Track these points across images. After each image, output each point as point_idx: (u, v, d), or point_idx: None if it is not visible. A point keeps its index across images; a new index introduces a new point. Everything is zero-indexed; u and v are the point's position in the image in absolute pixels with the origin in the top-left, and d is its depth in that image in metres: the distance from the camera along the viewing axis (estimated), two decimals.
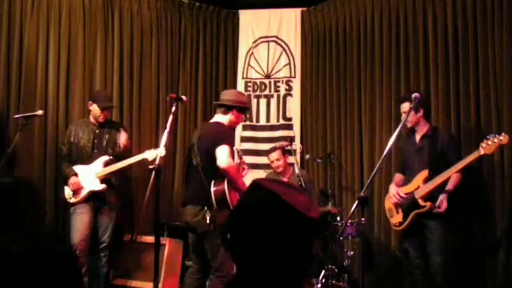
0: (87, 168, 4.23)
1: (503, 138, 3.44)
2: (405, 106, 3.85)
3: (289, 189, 1.27)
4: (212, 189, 3.54)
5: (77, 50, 4.91)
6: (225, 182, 3.53)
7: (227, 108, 3.81)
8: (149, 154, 4.23)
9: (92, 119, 4.39)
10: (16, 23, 4.58)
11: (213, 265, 3.67)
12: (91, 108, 4.36)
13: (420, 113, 3.87)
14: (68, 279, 1.52)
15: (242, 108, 3.86)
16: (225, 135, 3.69)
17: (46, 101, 4.70)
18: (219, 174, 3.56)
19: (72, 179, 4.17)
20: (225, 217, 3.45)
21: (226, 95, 3.94)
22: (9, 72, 4.54)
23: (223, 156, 3.51)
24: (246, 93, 5.98)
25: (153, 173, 3.06)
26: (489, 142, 3.46)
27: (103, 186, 4.21)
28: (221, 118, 3.81)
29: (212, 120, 3.92)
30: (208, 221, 3.53)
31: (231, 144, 3.63)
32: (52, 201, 4.60)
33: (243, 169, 4.11)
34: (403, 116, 3.83)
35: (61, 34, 4.82)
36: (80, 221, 4.17)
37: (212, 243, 3.66)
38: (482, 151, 3.47)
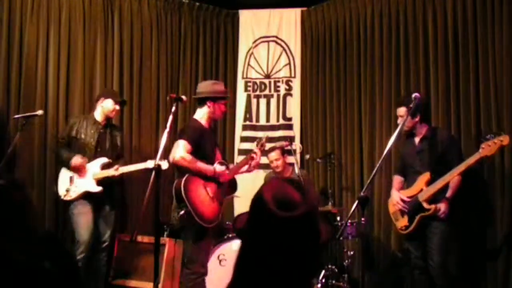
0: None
1: (504, 139, 3.39)
2: (402, 111, 3.82)
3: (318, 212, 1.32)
4: (174, 185, 3.57)
5: (77, 50, 4.91)
6: (183, 179, 3.52)
7: (201, 101, 3.80)
8: (151, 164, 4.14)
9: (98, 117, 4.35)
10: (16, 23, 4.59)
11: (185, 261, 3.70)
12: (102, 104, 4.31)
13: (417, 118, 3.82)
14: (67, 280, 1.52)
15: (216, 99, 3.77)
16: (187, 130, 3.70)
17: (46, 101, 4.70)
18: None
19: (77, 159, 4.09)
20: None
21: (199, 87, 3.92)
22: (9, 72, 4.54)
23: (173, 150, 3.55)
24: (245, 93, 6.00)
25: (153, 173, 3.07)
26: (489, 143, 3.41)
27: (99, 188, 4.16)
28: (198, 113, 3.83)
29: None
30: (177, 218, 3.54)
31: (189, 138, 3.58)
32: (52, 201, 4.60)
33: (252, 157, 3.98)
34: (399, 119, 3.80)
35: (61, 34, 4.82)
36: (86, 221, 4.14)
37: (185, 239, 3.72)
38: (482, 153, 3.45)
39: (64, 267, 1.51)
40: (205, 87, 3.87)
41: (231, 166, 4.02)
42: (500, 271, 3.98)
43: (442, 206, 3.67)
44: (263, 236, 1.25)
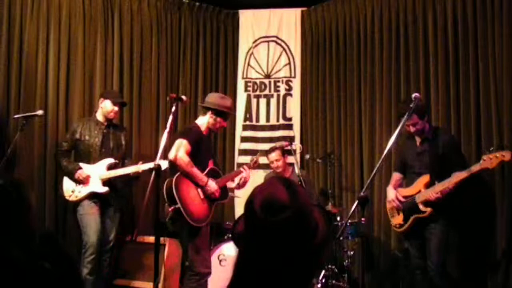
0: (91, 168, 4.19)
1: (506, 154, 3.38)
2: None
3: (311, 206, 1.30)
4: (165, 183, 3.58)
5: (77, 50, 4.90)
6: (174, 178, 3.55)
7: (205, 110, 3.87)
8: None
9: (100, 118, 4.35)
10: (16, 23, 4.58)
11: (187, 263, 3.70)
12: (102, 105, 4.32)
13: (425, 119, 3.81)
14: (67, 280, 1.52)
15: (219, 112, 3.82)
16: (187, 131, 3.75)
17: (46, 101, 4.69)
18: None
19: (80, 172, 4.12)
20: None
21: (208, 97, 4.00)
22: (9, 72, 4.53)
23: (173, 148, 3.56)
24: (245, 93, 6.00)
25: (153, 173, 3.07)
26: (491, 156, 3.41)
27: (106, 189, 4.17)
28: (199, 119, 3.89)
29: None
30: (167, 219, 3.58)
31: (190, 139, 3.62)
32: (52, 201, 4.60)
33: (240, 172, 4.04)
34: (412, 128, 3.77)
35: (61, 34, 4.82)
36: (94, 222, 4.14)
37: (183, 241, 3.73)
38: (482, 164, 3.44)
39: (63, 267, 1.51)
40: (212, 98, 3.95)
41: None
42: (501, 271, 3.98)
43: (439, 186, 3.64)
44: (254, 240, 1.25)
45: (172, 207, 3.52)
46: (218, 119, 3.83)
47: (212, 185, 3.70)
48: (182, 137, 3.63)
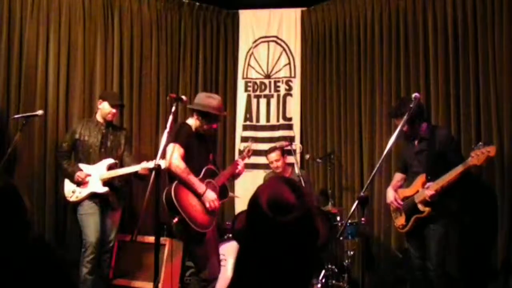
0: (91, 169, 4.20)
1: (490, 150, 3.38)
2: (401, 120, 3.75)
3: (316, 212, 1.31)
4: (164, 192, 3.48)
5: (77, 50, 4.91)
6: (173, 185, 3.44)
7: (192, 110, 3.74)
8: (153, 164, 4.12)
9: (99, 119, 4.35)
10: (16, 23, 4.58)
11: (195, 267, 3.65)
12: (100, 106, 4.32)
13: (416, 125, 3.77)
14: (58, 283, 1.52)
15: (203, 113, 3.61)
16: (176, 133, 3.59)
17: (46, 101, 4.70)
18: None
19: (79, 174, 4.12)
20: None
21: (195, 98, 3.82)
22: (9, 72, 4.54)
23: (167, 155, 3.48)
24: (246, 93, 6.00)
25: (153, 173, 3.07)
26: (478, 153, 3.41)
27: (106, 189, 4.17)
28: (189, 119, 3.78)
29: None
30: (172, 224, 3.47)
31: (180, 140, 3.51)
32: (53, 201, 4.60)
33: (236, 165, 3.96)
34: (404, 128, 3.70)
35: (61, 34, 4.82)
36: (93, 222, 4.13)
37: (189, 246, 3.67)
38: (470, 161, 3.44)
39: (54, 271, 1.51)
40: (198, 98, 3.77)
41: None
42: (501, 272, 3.98)
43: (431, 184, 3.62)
44: (259, 239, 1.25)
45: (176, 218, 3.42)
46: (204, 120, 3.64)
47: (210, 195, 3.54)
48: (173, 141, 3.51)
